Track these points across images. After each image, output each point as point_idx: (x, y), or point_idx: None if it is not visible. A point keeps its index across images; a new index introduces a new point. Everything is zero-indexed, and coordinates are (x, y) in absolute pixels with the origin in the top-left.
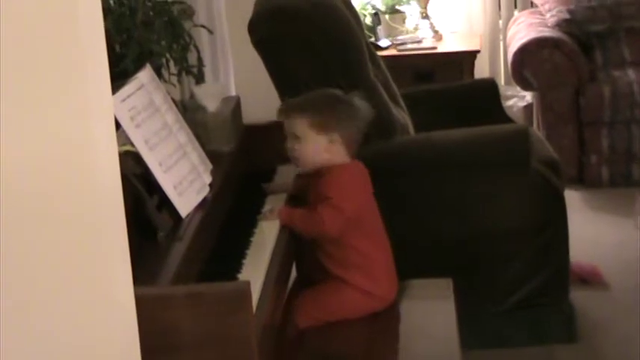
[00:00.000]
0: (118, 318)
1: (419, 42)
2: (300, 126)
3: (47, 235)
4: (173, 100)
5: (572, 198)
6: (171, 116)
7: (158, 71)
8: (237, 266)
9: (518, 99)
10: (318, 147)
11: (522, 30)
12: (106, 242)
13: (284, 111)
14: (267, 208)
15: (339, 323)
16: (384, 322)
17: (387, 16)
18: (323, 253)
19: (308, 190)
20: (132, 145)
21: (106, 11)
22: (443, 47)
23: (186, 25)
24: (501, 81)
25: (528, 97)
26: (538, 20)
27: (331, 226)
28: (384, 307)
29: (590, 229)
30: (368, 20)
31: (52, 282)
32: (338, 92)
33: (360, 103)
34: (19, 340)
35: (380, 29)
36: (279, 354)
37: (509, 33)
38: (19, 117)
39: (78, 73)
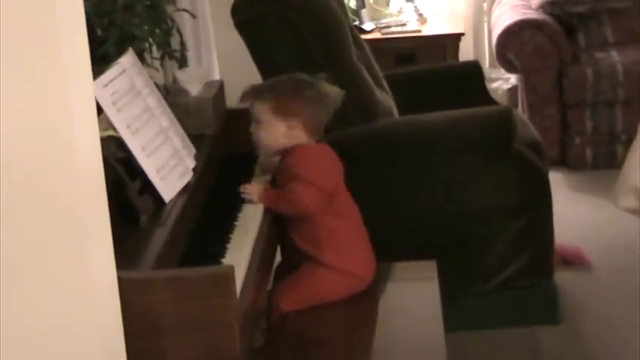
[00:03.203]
0: (100, 302)
1: (403, 25)
2: (261, 111)
3: (28, 219)
4: (156, 84)
5: (556, 179)
6: (153, 100)
7: (140, 55)
8: (220, 250)
9: (502, 81)
10: (277, 132)
11: (506, 12)
12: (88, 227)
13: (246, 95)
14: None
15: (320, 306)
16: (364, 304)
17: (370, 0)
18: (295, 232)
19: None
20: (114, 129)
21: None
22: (427, 30)
23: (169, 9)
24: (486, 63)
25: (513, 79)
26: (522, 2)
27: (310, 201)
28: (362, 286)
29: (574, 211)
30: (352, 4)
31: (34, 266)
32: (304, 76)
33: (327, 87)
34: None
35: (364, 12)
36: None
37: (494, 15)
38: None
39: (57, 58)
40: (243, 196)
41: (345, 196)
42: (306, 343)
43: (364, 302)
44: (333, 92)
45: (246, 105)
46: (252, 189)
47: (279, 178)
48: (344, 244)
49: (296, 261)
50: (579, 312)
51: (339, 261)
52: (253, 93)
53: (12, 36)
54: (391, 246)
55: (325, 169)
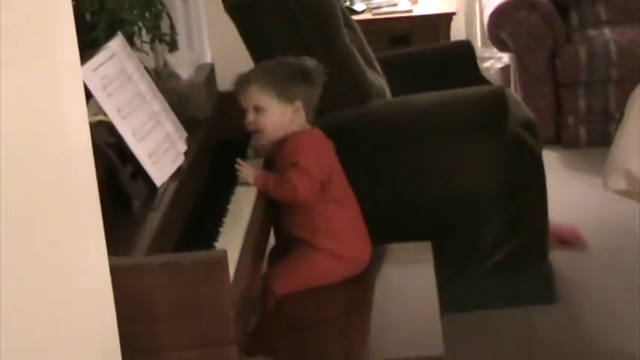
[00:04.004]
0: (92, 288)
1: (394, 5)
2: (263, 97)
3: (16, 207)
4: (146, 68)
5: (550, 159)
6: (144, 85)
7: (130, 40)
8: (213, 235)
9: (495, 61)
10: (284, 117)
11: None
12: (79, 213)
13: (242, 84)
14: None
15: (315, 290)
16: (359, 287)
17: None
18: (290, 218)
19: (274, 158)
20: (104, 114)
21: None
22: (418, 10)
23: None
24: (478, 43)
25: (505, 58)
26: None
27: (303, 191)
28: (357, 271)
29: (569, 190)
30: None
31: (24, 253)
32: (291, 59)
33: (313, 66)
34: None
35: None
36: (257, 325)
37: None
38: None
39: (45, 43)
40: (238, 174)
41: (340, 181)
42: (302, 327)
43: (359, 285)
44: (318, 69)
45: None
46: (248, 170)
47: (277, 164)
48: (339, 229)
49: (290, 244)
50: (575, 292)
51: (333, 245)
52: (248, 80)
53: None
54: (385, 229)
55: (321, 158)
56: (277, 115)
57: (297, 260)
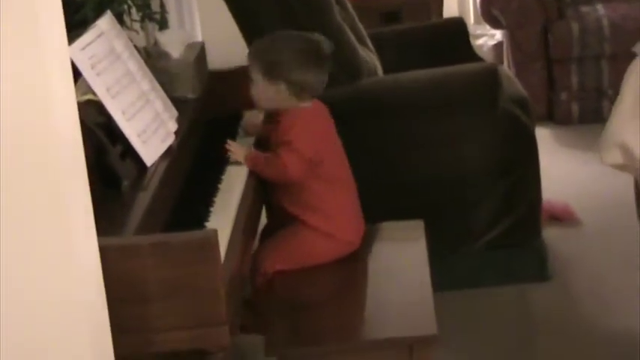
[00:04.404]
0: (81, 269)
1: None
2: (252, 70)
3: (4, 187)
4: (136, 47)
5: (543, 136)
6: (133, 64)
7: (120, 18)
8: (204, 214)
9: (487, 38)
10: (267, 93)
11: None
12: (67, 193)
13: (248, 54)
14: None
15: (307, 268)
16: (351, 266)
17: None
18: (283, 195)
19: (270, 134)
20: (93, 93)
21: None
22: None
23: None
24: (471, 20)
25: (498, 35)
26: None
27: (293, 170)
28: (348, 250)
29: (561, 167)
30: None
31: (12, 235)
32: (295, 34)
33: (325, 44)
34: None
35: None
36: (248, 302)
37: None
38: None
39: (31, 22)
40: (228, 154)
41: (337, 159)
42: (294, 305)
43: (352, 263)
44: (327, 45)
45: (228, 67)
46: (239, 149)
47: (271, 141)
48: (331, 208)
49: (282, 223)
50: (569, 268)
51: (326, 224)
52: (249, 51)
53: None
54: (378, 207)
55: (313, 137)
56: (262, 90)
57: (286, 237)
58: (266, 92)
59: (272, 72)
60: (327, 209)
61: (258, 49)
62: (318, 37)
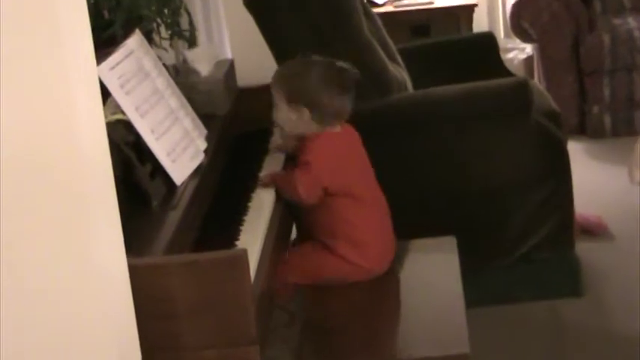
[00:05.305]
0: (110, 288)
1: None
2: (275, 96)
3: (34, 208)
4: (164, 65)
5: (575, 149)
6: (162, 82)
7: (148, 36)
8: (234, 233)
9: (518, 51)
10: (290, 118)
11: None
12: (96, 213)
13: (272, 79)
14: (264, 173)
15: (336, 288)
16: (384, 283)
17: None
18: (311, 220)
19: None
20: (122, 113)
21: None
22: (440, 1)
23: None
24: (501, 34)
25: (528, 49)
26: None
27: (305, 192)
28: (371, 276)
29: (594, 180)
30: None
31: (41, 256)
32: (319, 60)
33: (348, 69)
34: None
35: None
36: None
37: None
38: (1, 89)
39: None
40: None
41: (367, 186)
42: (324, 323)
43: (384, 281)
44: (354, 71)
45: (257, 83)
46: (266, 175)
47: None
48: (360, 236)
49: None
50: (602, 283)
51: (352, 253)
52: (273, 78)
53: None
54: (410, 221)
55: (332, 164)
56: (283, 116)
57: (312, 260)
58: (290, 118)
59: (295, 98)
60: (354, 235)
61: (282, 75)
62: (342, 63)
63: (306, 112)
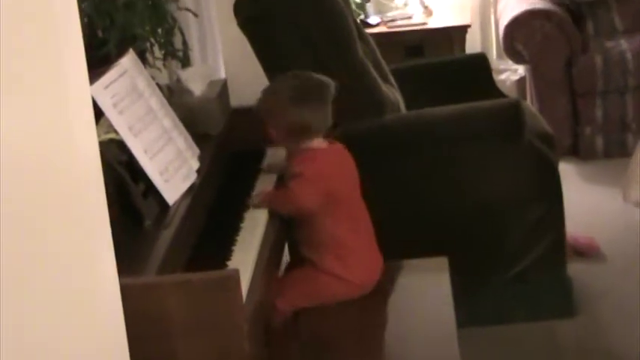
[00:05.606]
0: (102, 308)
1: (409, 18)
2: (269, 116)
3: (26, 227)
4: (158, 84)
5: (567, 170)
6: (155, 101)
7: (142, 55)
8: (226, 253)
9: (510, 72)
10: (276, 134)
11: (513, 2)
12: (88, 232)
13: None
14: (255, 192)
15: (327, 307)
16: (374, 303)
17: None
18: (300, 235)
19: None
20: (116, 132)
21: None
22: (433, 22)
23: (171, 7)
24: (493, 55)
25: (521, 70)
26: None
27: (306, 199)
28: (359, 294)
29: (586, 201)
30: None
31: (34, 273)
32: (293, 73)
33: (326, 80)
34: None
35: (369, 6)
36: (269, 340)
37: (500, 6)
38: None
39: (53, 63)
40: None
41: (352, 202)
42: (315, 343)
43: (374, 301)
44: (327, 82)
45: (250, 103)
46: (257, 196)
47: (286, 177)
48: (345, 252)
49: (303, 262)
50: (595, 303)
51: (338, 268)
52: (262, 93)
53: (5, 38)
54: (403, 241)
55: (324, 171)
56: (281, 135)
57: (300, 279)
58: (276, 134)
59: (272, 115)
60: (341, 250)
61: (266, 93)
62: (319, 76)
63: (284, 127)
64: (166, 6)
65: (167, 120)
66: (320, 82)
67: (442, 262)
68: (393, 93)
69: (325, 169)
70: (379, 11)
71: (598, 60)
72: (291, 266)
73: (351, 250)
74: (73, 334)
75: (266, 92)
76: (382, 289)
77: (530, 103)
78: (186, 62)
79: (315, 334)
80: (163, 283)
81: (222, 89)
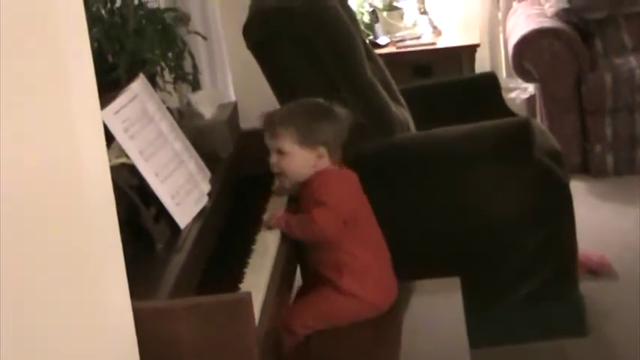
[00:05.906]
0: (115, 332)
1: (418, 38)
2: (286, 141)
3: (37, 252)
4: (168, 108)
5: (578, 188)
6: (166, 125)
7: (152, 79)
8: (238, 276)
9: (520, 91)
10: (306, 163)
11: (521, 21)
12: (101, 256)
13: (267, 124)
14: (266, 215)
15: (339, 329)
16: (387, 325)
17: (384, 14)
18: (317, 256)
19: (302, 194)
20: (127, 156)
21: (97, 20)
22: (442, 42)
23: (181, 32)
24: (503, 74)
25: (530, 88)
26: (537, 11)
27: (326, 225)
28: (374, 314)
29: (597, 219)
30: (366, 18)
31: (47, 300)
32: (319, 102)
33: (339, 110)
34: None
35: (378, 27)
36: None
37: (509, 25)
38: (5, 133)
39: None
40: (264, 224)
41: (369, 223)
42: None
43: (387, 322)
44: (345, 114)
45: (260, 126)
46: (271, 217)
47: (302, 202)
48: (364, 272)
49: (316, 284)
50: (607, 322)
51: (357, 288)
52: (273, 123)
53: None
54: (413, 260)
55: (344, 194)
56: (299, 160)
57: (317, 300)
58: (305, 161)
59: (311, 139)
60: (360, 272)
61: (290, 119)
62: (329, 102)
63: (324, 150)
64: (176, 30)
65: (178, 143)
66: (332, 105)
67: (454, 283)
68: (402, 113)
69: (343, 191)
70: (388, 32)
71: (607, 78)
72: (304, 290)
73: (369, 271)
74: (85, 358)
75: (280, 119)
76: (395, 310)
77: (540, 121)
78: (196, 85)
79: (328, 356)
80: (175, 306)
81: (233, 112)
